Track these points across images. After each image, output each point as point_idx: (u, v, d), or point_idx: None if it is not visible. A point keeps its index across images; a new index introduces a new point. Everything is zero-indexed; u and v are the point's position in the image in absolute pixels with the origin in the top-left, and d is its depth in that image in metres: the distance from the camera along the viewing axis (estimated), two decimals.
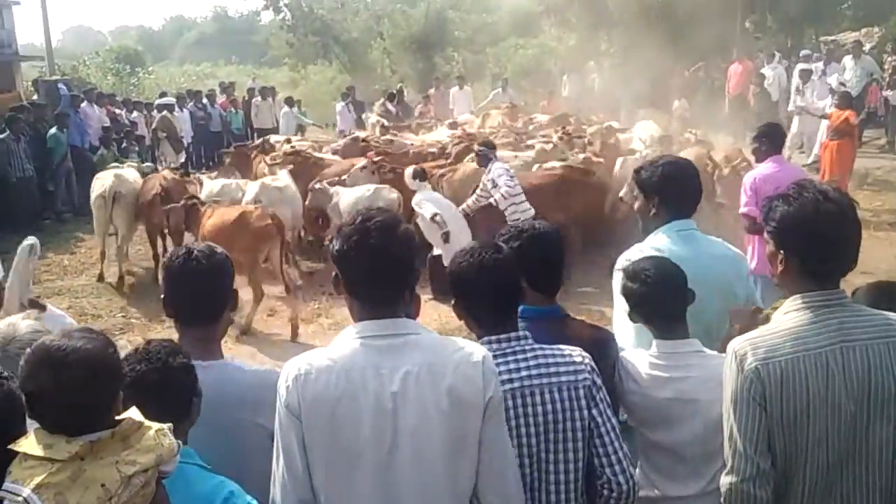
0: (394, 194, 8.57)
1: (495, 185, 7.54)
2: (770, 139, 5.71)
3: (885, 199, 10.91)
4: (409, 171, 8.19)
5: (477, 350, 2.06)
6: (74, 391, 1.67)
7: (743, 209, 5.53)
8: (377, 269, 2.00)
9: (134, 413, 1.78)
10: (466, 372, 1.98)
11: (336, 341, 2.05)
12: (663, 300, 2.58)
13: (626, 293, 2.67)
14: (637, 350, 2.72)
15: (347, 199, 8.57)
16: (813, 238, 2.01)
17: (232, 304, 2.46)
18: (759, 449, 1.98)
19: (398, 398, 1.94)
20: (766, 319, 2.63)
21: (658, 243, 3.00)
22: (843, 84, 13.09)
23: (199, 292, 2.35)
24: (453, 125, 13.67)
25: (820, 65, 14.46)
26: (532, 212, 7.41)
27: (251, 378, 2.36)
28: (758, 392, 1.97)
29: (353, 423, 1.94)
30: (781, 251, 2.08)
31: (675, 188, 3.04)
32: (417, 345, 2.01)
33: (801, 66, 14.63)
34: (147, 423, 1.77)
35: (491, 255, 2.28)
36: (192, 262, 2.34)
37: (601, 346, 2.49)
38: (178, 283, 2.37)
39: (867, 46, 16.45)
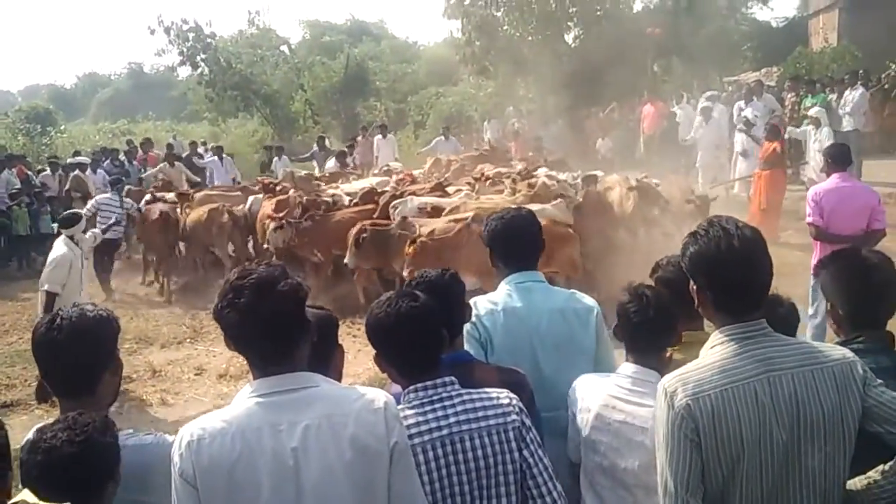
0: None
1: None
2: (834, 158, 6.41)
3: (795, 226, 11.39)
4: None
5: (378, 396, 2.03)
6: None
7: (808, 219, 6.31)
8: (254, 327, 1.94)
9: (27, 495, 1.70)
10: (368, 419, 1.96)
11: (232, 403, 2.00)
12: (651, 326, 2.58)
13: (621, 311, 2.65)
14: (596, 374, 2.73)
15: None
16: (717, 275, 2.06)
17: (112, 369, 2.26)
18: (690, 488, 1.98)
19: (299, 453, 1.90)
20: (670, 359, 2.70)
21: (496, 296, 3.03)
22: (757, 117, 13.76)
23: (63, 363, 2.17)
24: (387, 172, 13.92)
25: (742, 103, 15.03)
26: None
27: (134, 455, 2.14)
28: (690, 428, 1.97)
29: (252, 484, 1.89)
30: (695, 287, 2.13)
31: (502, 243, 3.07)
32: (316, 397, 1.97)
33: (702, 103, 15.26)
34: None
35: (408, 303, 2.26)
36: (53, 332, 2.15)
37: (512, 388, 2.44)
38: (40, 354, 2.20)
39: (767, 85, 17.36)
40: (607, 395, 2.60)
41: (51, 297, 7.00)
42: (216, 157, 17.20)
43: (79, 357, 2.15)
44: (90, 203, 11.19)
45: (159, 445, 2.22)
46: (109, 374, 2.23)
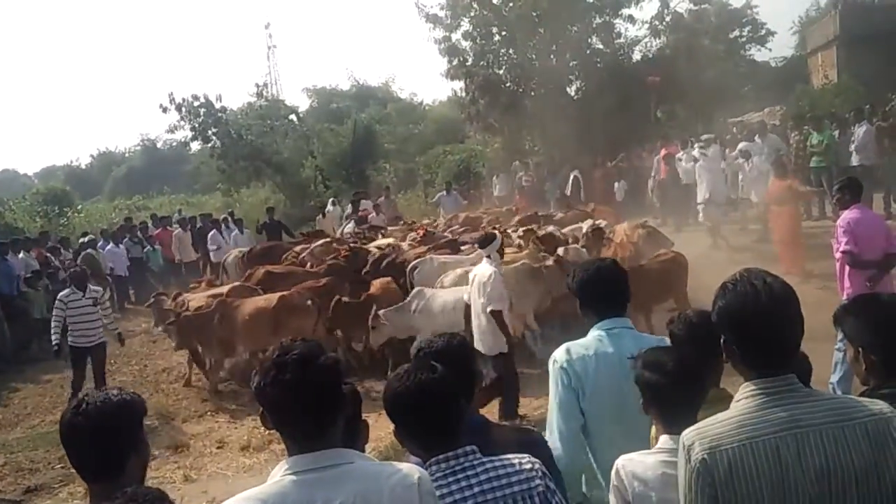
0: None
1: None
2: (850, 190, 6.74)
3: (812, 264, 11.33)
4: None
5: (412, 472, 2.03)
6: None
7: (845, 247, 6.45)
8: (296, 403, 1.97)
9: None
10: (402, 497, 1.96)
11: (268, 480, 2.02)
12: (678, 391, 2.53)
13: (643, 384, 2.60)
14: (635, 454, 2.60)
15: None
16: (744, 331, 2.04)
17: (138, 451, 2.25)
18: None
19: None
20: None
21: (587, 342, 3.11)
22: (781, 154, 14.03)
23: (88, 449, 2.18)
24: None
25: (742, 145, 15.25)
26: None
27: None
28: (706, 483, 1.95)
29: None
30: (723, 341, 2.11)
31: (590, 291, 3.20)
32: (351, 474, 1.98)
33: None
34: None
35: (427, 375, 2.27)
36: (78, 418, 2.17)
37: (529, 448, 2.43)
38: (66, 440, 2.21)
39: (771, 124, 17.47)
40: (659, 473, 2.46)
41: (498, 314, 6.98)
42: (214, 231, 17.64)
43: (103, 443, 2.17)
44: (57, 306, 9.06)
45: None
46: (135, 457, 2.24)
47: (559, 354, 3.07)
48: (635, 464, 2.53)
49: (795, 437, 1.94)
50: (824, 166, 14.33)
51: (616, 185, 18.33)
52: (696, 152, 15.39)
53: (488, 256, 7.21)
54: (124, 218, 21.16)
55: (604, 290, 3.20)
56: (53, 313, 8.88)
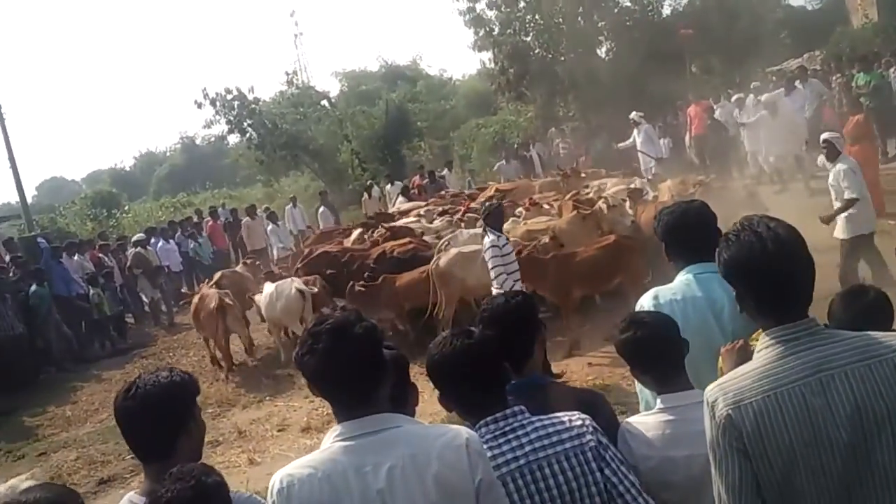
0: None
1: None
2: None
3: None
4: None
5: (460, 433, 2.04)
6: None
7: None
8: (334, 371, 2.00)
9: None
10: (451, 458, 1.98)
11: (319, 448, 2.06)
12: (657, 350, 2.54)
13: (621, 347, 2.62)
14: (637, 416, 2.64)
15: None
16: (756, 281, 1.98)
17: (188, 430, 2.27)
18: (742, 496, 1.89)
19: (385, 495, 1.94)
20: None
21: (674, 286, 3.03)
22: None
23: (139, 430, 2.24)
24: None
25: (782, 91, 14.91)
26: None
27: None
28: (734, 437, 1.89)
29: None
30: (735, 292, 2.06)
31: (677, 235, 3.09)
32: (399, 438, 2.01)
33: (734, 98, 15.08)
34: None
35: (462, 341, 2.28)
36: (129, 401, 2.22)
37: (588, 408, 2.41)
38: (119, 422, 2.28)
39: (812, 69, 16.99)
40: (658, 433, 2.49)
41: (853, 201, 7.74)
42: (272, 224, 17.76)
43: (152, 423, 2.22)
44: (494, 254, 7.34)
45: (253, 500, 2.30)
46: (186, 437, 2.28)
47: (646, 301, 2.98)
48: (637, 426, 2.55)
49: (821, 381, 1.88)
50: (871, 108, 13.93)
51: (662, 142, 18.08)
52: (736, 109, 14.93)
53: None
54: (210, 208, 21.22)
55: (692, 233, 3.05)
56: (491, 263, 7.35)
